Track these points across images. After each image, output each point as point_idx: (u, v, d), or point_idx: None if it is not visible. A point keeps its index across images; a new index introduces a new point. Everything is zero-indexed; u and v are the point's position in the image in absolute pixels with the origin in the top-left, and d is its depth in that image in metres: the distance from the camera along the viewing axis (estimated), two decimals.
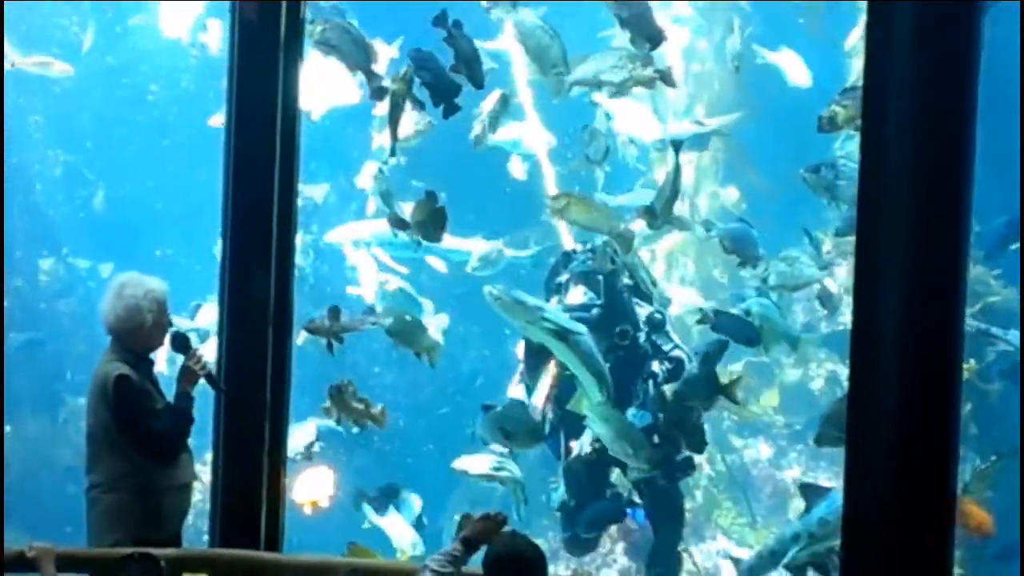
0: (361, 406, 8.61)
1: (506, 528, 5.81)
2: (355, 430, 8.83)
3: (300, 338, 8.08)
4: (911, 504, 5.62)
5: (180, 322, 10.46)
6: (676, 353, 9.67)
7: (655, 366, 9.61)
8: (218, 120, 10.24)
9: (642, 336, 9.65)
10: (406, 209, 9.27)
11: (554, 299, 9.78)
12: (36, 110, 14.53)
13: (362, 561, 6.95)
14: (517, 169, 11.37)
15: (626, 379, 9.55)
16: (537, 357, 9.58)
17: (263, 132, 6.89)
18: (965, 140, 5.60)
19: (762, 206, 12.54)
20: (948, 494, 5.72)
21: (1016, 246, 11.24)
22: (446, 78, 8.28)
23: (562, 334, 9.08)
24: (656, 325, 9.74)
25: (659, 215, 9.38)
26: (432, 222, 9.00)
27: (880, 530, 5.68)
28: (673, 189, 9.31)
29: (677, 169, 9.28)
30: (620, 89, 9.03)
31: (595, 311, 9.56)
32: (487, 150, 10.74)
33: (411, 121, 10.43)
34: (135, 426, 6.58)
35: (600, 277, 9.63)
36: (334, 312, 8.25)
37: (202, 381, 6.79)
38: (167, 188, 14.36)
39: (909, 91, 5.55)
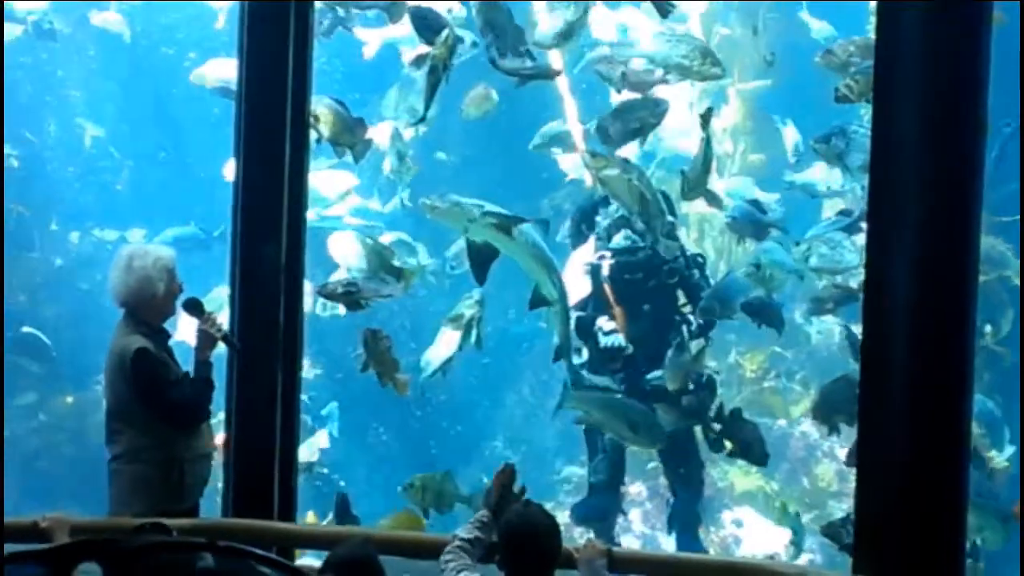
0: (391, 362, 8.61)
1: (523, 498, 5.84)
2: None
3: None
4: (924, 469, 5.60)
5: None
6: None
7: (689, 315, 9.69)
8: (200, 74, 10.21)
9: (696, 275, 9.70)
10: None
11: (591, 241, 9.79)
12: (73, 83, 14.57)
13: (377, 531, 6.97)
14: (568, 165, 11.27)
15: (663, 322, 9.59)
16: (481, 256, 9.32)
17: (273, 101, 6.90)
18: (976, 107, 5.61)
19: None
20: (961, 458, 5.70)
21: None
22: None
23: (506, 227, 9.03)
24: (699, 267, 9.79)
25: (693, 186, 9.43)
26: (347, 133, 8.79)
27: (893, 497, 5.66)
28: (706, 159, 9.32)
29: (708, 139, 9.28)
30: (683, 77, 9.14)
31: (641, 254, 9.58)
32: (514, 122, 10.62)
33: (478, 96, 10.45)
34: (157, 398, 6.58)
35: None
36: (351, 281, 8.29)
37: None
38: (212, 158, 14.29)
39: (920, 60, 5.57)
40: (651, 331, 9.60)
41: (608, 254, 9.70)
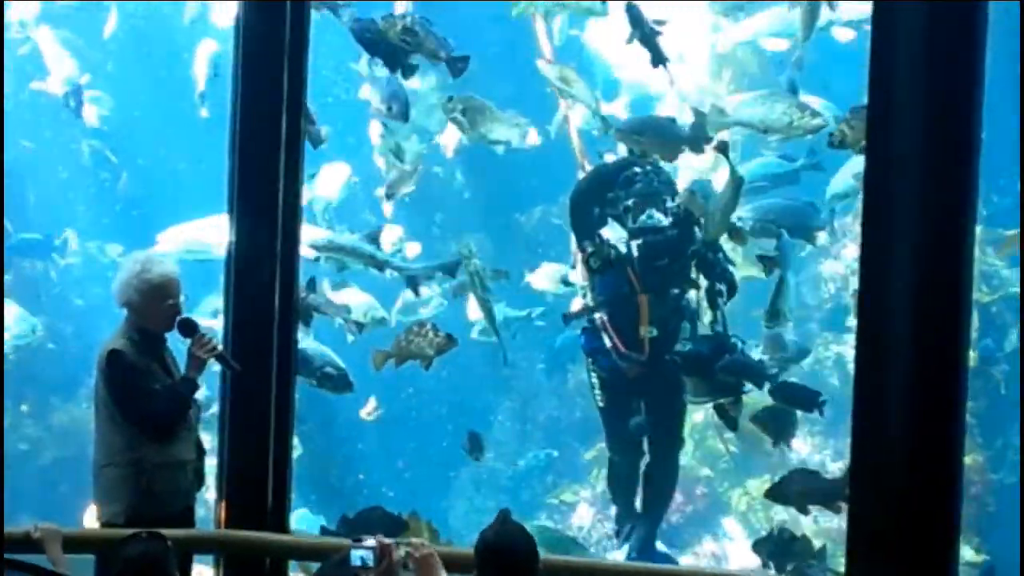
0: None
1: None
2: None
3: None
4: (919, 474, 5.59)
5: None
6: (731, 270, 9.32)
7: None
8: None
9: (721, 255, 9.27)
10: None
11: (610, 226, 9.33)
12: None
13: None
14: None
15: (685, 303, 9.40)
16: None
17: (268, 109, 6.94)
18: (971, 116, 5.59)
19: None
20: (956, 464, 5.70)
21: None
22: (390, 45, 8.46)
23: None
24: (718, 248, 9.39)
25: (718, 222, 9.08)
26: None
27: (886, 510, 5.66)
28: (733, 196, 8.98)
29: (733, 170, 8.89)
30: (786, 136, 9.03)
31: (670, 233, 9.15)
32: None
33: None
34: (124, 402, 6.55)
35: (667, 198, 9.21)
36: (309, 283, 8.44)
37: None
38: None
39: (916, 69, 5.55)
40: (674, 313, 9.27)
41: (633, 237, 9.22)
